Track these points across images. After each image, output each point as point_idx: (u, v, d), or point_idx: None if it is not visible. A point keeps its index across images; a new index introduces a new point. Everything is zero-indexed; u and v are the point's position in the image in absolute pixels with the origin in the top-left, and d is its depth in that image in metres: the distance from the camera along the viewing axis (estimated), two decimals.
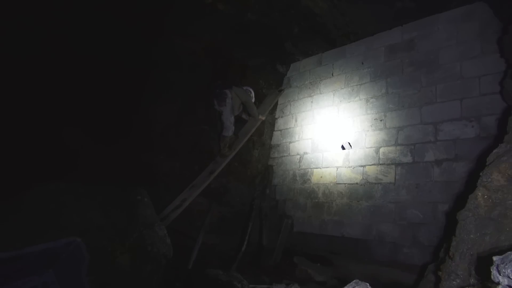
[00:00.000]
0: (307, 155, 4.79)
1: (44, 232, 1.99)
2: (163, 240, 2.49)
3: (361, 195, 3.97)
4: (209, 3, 4.13)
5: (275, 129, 5.46)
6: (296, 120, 5.15)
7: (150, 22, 4.34)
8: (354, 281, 1.77)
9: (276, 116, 5.51)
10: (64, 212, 2.18)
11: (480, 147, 3.15)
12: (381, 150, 3.93)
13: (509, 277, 1.30)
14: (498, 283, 1.35)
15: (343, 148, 4.33)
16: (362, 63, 4.43)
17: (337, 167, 4.34)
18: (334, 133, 4.51)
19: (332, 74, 4.81)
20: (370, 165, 3.99)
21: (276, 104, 5.48)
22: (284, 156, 5.13)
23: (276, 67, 5.48)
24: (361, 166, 4.07)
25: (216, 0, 4.11)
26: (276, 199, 4.99)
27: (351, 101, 4.43)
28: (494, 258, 1.40)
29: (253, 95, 4.61)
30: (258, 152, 5.35)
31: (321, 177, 4.49)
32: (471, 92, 3.37)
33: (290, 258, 4.12)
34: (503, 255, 1.39)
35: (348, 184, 4.15)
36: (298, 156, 4.91)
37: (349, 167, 4.20)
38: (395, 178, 3.72)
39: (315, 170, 4.61)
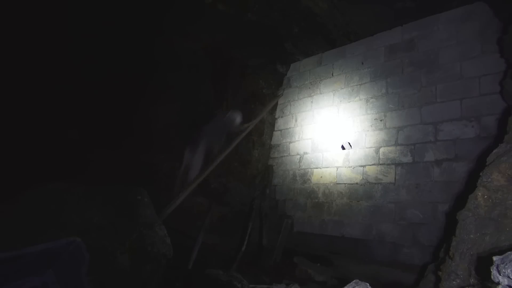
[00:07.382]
0: (307, 155, 4.79)
1: (44, 232, 1.99)
2: (163, 240, 2.48)
3: (361, 195, 3.97)
4: (209, 3, 4.13)
5: (275, 129, 5.46)
6: (296, 120, 5.15)
7: (150, 22, 4.34)
8: (354, 281, 1.77)
9: (276, 116, 5.51)
10: (64, 212, 2.17)
11: (480, 147, 3.15)
12: (381, 150, 3.93)
13: (509, 277, 1.30)
14: (498, 283, 1.35)
15: (343, 148, 4.33)
16: (362, 63, 4.43)
17: (337, 167, 4.34)
18: (334, 133, 4.51)
19: (332, 74, 4.81)
20: (370, 165, 3.99)
21: (276, 104, 5.48)
22: (284, 156, 5.13)
23: (276, 67, 5.48)
24: (361, 166, 4.07)
25: (216, 0, 4.11)
26: (276, 199, 4.99)
27: (351, 101, 4.43)
28: (494, 258, 1.40)
29: (239, 119, 4.66)
30: (258, 152, 5.35)
31: (321, 177, 4.49)
32: (471, 92, 3.37)
33: (290, 258, 4.12)
34: (503, 255, 1.39)
35: (348, 184, 4.15)
36: (298, 156, 4.91)
37: (349, 167, 4.20)
38: (395, 178, 3.72)
39: (315, 170, 4.61)
